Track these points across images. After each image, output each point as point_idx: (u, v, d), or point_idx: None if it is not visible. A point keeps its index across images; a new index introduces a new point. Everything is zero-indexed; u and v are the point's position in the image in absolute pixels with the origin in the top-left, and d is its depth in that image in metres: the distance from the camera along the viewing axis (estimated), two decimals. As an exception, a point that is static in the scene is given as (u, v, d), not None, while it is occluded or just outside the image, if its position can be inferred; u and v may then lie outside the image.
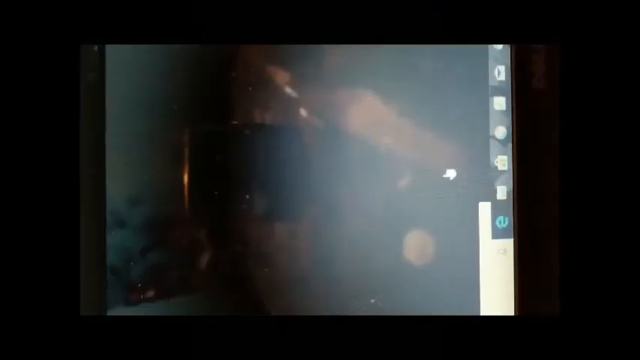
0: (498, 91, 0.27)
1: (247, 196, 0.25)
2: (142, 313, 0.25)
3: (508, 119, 0.27)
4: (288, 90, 0.26)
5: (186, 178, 0.25)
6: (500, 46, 0.27)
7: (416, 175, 0.26)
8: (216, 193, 0.25)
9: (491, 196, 0.27)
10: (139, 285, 0.25)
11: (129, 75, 0.25)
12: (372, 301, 0.26)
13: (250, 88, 0.25)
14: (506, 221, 0.27)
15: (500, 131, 0.27)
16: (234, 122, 0.25)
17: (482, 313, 0.26)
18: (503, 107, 0.27)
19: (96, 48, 0.24)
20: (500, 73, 0.27)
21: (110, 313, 0.24)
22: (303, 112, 0.26)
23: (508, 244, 0.27)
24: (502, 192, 0.27)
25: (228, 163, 0.25)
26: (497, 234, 0.27)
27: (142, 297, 0.25)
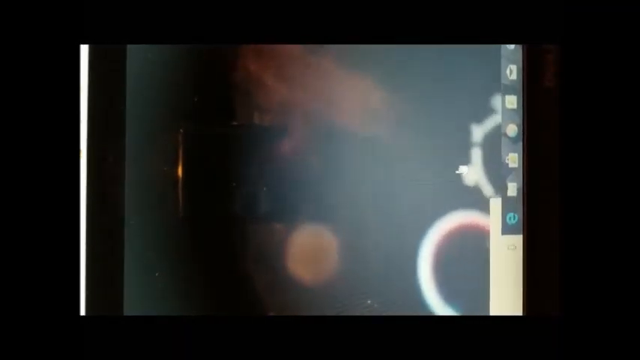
0: (510, 90, 0.27)
1: (243, 192, 0.26)
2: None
3: (519, 117, 0.27)
4: (285, 84, 0.26)
5: (180, 174, 0.25)
6: (512, 46, 0.27)
7: (430, 171, 0.27)
8: (211, 189, 0.26)
9: (502, 192, 0.27)
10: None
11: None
12: (370, 302, 0.26)
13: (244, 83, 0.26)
14: (516, 218, 0.27)
15: (512, 129, 0.27)
16: (229, 119, 0.26)
17: (491, 307, 0.27)
18: (515, 106, 0.27)
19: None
20: (512, 72, 0.27)
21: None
22: (303, 107, 0.26)
23: (517, 240, 0.27)
24: (512, 189, 0.27)
25: (222, 159, 0.26)
26: (507, 230, 0.27)
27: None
